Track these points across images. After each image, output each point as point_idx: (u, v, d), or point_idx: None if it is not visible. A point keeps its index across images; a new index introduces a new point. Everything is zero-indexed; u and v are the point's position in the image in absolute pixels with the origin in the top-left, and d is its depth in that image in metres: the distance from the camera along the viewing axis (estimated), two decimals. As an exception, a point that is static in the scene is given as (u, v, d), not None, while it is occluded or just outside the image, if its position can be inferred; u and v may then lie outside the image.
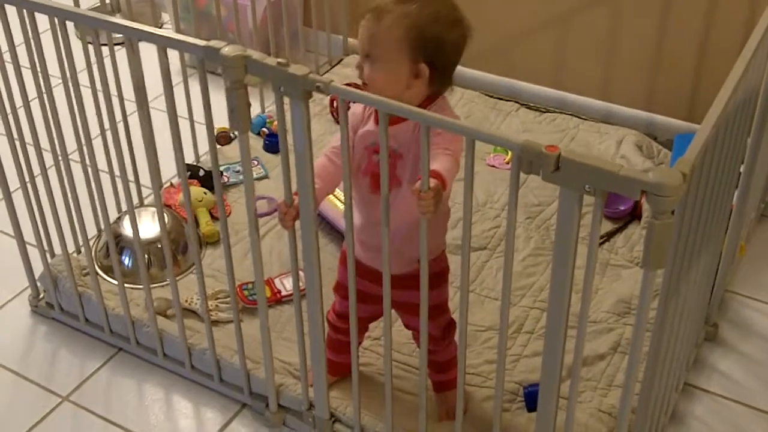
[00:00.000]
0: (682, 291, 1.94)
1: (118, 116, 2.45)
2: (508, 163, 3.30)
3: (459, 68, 4.12)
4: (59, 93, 2.35)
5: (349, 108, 2.05)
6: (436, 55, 1.98)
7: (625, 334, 2.62)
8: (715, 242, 2.33)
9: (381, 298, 2.05)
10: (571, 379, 1.85)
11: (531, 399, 2.38)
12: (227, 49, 1.89)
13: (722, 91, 1.77)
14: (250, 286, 2.74)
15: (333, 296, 2.36)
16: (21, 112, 2.41)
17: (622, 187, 1.52)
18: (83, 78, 2.34)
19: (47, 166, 2.51)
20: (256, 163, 3.31)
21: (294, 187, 2.02)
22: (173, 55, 2.23)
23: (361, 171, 2.08)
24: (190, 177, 3.12)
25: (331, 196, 2.87)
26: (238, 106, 1.94)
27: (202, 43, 1.95)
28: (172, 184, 3.21)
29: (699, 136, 1.65)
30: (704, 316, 2.63)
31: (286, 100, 1.89)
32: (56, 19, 2.24)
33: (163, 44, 2.05)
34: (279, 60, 1.86)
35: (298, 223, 2.07)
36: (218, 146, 3.37)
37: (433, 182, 1.80)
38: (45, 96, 2.35)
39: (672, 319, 1.91)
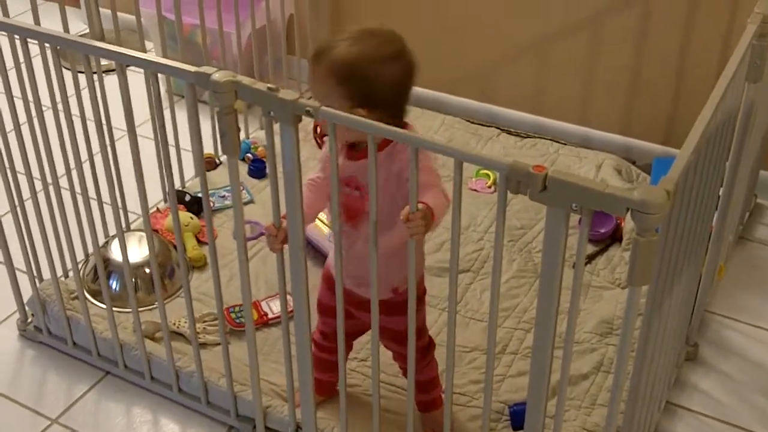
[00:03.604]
0: (665, 309, 1.98)
1: (106, 142, 2.47)
2: (490, 187, 3.34)
3: (439, 95, 4.11)
4: (48, 118, 2.36)
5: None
6: (370, 96, 1.95)
7: (607, 354, 2.65)
8: (696, 263, 2.37)
9: (361, 318, 2.11)
10: (557, 398, 1.86)
11: (517, 418, 2.41)
12: (218, 75, 1.90)
13: (703, 112, 1.80)
14: (237, 309, 2.75)
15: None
16: (11, 136, 2.41)
17: (608, 205, 1.54)
18: (71, 104, 2.36)
19: (37, 191, 2.52)
20: (241, 188, 3.33)
21: (282, 211, 2.03)
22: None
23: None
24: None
25: (315, 219, 2.90)
26: (228, 131, 1.95)
27: (192, 68, 1.95)
28: (158, 209, 3.23)
29: (682, 155, 1.68)
30: (685, 336, 2.66)
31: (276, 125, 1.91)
32: (48, 46, 2.27)
33: (154, 70, 2.08)
34: (269, 85, 1.88)
35: (284, 246, 2.08)
36: (203, 172, 3.39)
37: (421, 205, 1.82)
38: (36, 120, 2.37)
39: (655, 337, 1.94)
